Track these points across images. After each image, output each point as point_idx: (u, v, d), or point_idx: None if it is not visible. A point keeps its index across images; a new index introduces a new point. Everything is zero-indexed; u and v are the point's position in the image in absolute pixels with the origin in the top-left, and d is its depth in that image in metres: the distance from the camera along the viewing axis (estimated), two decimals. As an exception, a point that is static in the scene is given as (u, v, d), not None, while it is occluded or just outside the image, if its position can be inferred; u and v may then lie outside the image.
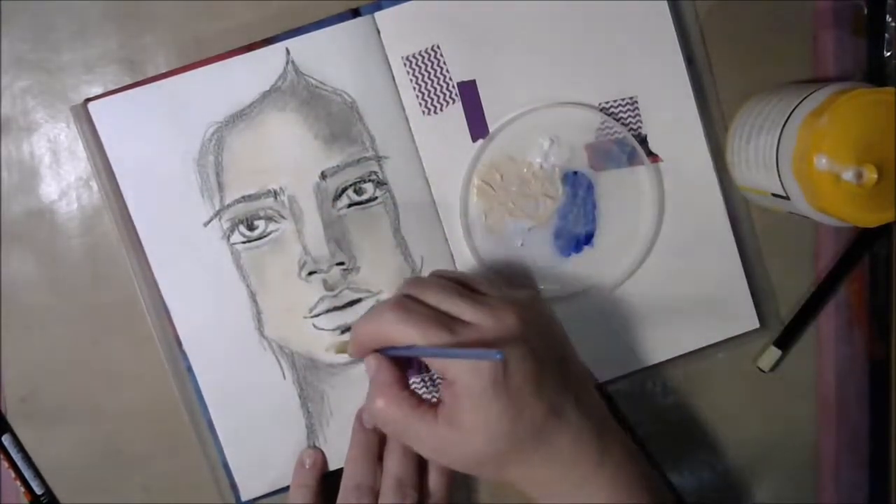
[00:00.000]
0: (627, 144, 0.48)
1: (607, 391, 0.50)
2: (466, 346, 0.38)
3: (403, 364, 0.42)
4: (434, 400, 0.40)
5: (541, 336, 0.40)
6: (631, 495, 0.40)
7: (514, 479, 0.40)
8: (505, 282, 0.47)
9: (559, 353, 0.42)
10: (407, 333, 0.39)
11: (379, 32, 0.46)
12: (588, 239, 0.48)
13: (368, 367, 0.41)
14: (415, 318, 0.39)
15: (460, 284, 0.42)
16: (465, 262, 0.48)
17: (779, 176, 0.43)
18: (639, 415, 0.50)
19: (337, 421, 0.48)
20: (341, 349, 0.47)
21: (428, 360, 0.40)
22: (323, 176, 0.46)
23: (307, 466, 0.48)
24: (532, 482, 0.40)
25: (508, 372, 0.38)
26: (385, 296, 0.48)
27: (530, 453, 0.39)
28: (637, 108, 0.48)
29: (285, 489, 0.49)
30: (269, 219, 0.47)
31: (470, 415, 0.38)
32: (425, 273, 0.48)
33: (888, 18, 0.48)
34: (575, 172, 0.48)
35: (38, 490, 0.48)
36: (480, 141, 0.47)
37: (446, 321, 0.39)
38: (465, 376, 0.38)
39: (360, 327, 0.41)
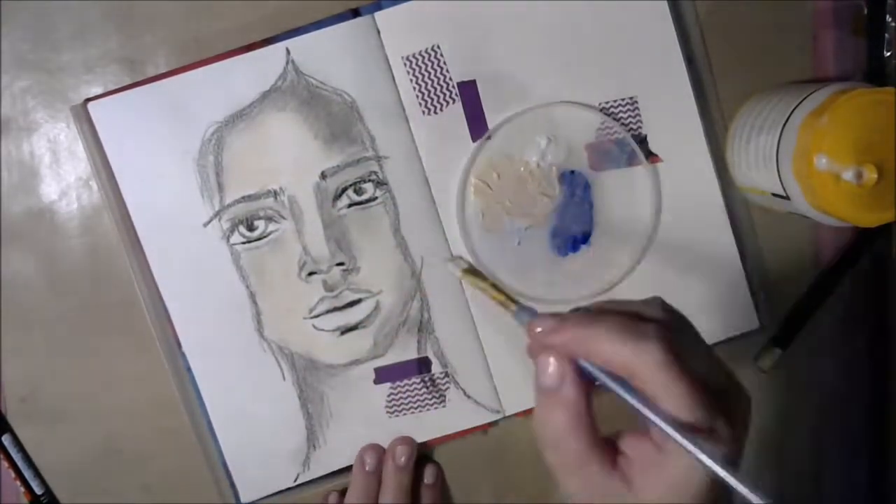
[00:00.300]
0: (627, 145, 0.48)
1: None
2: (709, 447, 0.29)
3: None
4: (611, 437, 0.33)
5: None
6: None
7: None
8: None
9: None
10: (669, 387, 0.30)
11: (379, 32, 0.46)
12: (585, 238, 0.48)
13: (553, 374, 0.32)
14: (685, 377, 0.29)
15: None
16: (465, 255, 0.48)
17: (779, 176, 0.43)
18: (638, 414, 0.50)
19: (336, 422, 0.48)
20: (476, 282, 0.37)
21: (651, 420, 0.30)
22: (323, 176, 0.46)
23: None
24: None
25: (718, 498, 0.30)
26: (385, 296, 0.47)
27: None
28: (637, 108, 0.48)
29: (285, 491, 0.49)
30: (268, 219, 0.47)
31: (660, 492, 0.30)
32: (426, 274, 0.48)
33: (888, 18, 0.48)
34: (572, 172, 0.48)
35: (38, 490, 0.48)
36: (479, 140, 0.47)
37: (711, 401, 0.30)
38: (686, 468, 0.30)
39: (567, 328, 0.32)
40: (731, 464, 0.29)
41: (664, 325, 0.31)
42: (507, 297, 0.36)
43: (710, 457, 0.29)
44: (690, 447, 0.29)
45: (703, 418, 0.30)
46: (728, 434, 0.30)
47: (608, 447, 0.32)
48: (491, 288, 0.36)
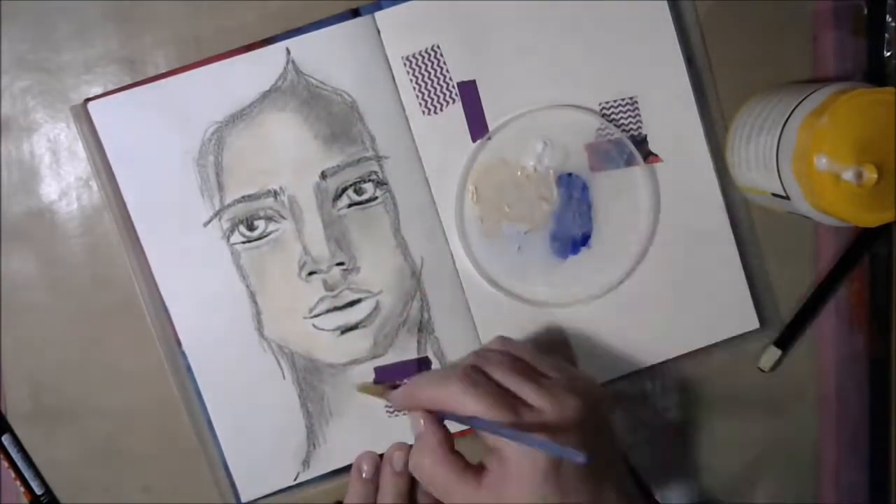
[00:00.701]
0: (625, 146, 0.48)
1: (632, 463, 0.49)
2: (527, 429, 0.38)
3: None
4: (476, 462, 0.40)
5: (596, 427, 0.40)
6: None
7: None
8: (567, 362, 0.48)
9: (607, 440, 0.42)
10: (472, 407, 0.38)
11: (379, 32, 0.46)
12: (585, 240, 0.48)
13: (415, 424, 0.41)
14: (481, 393, 0.39)
15: (525, 362, 0.42)
16: (464, 262, 0.48)
17: (779, 176, 0.43)
18: (639, 415, 0.50)
19: (336, 421, 0.48)
20: (369, 391, 0.47)
21: (483, 435, 0.40)
22: (323, 176, 0.46)
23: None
24: None
25: (563, 461, 0.38)
26: (385, 296, 0.48)
27: None
28: (637, 108, 0.48)
29: (285, 490, 0.49)
30: (269, 219, 0.47)
31: (516, 492, 0.38)
32: (426, 274, 0.48)
33: (888, 18, 0.48)
34: (569, 174, 0.48)
35: (38, 490, 0.48)
36: (474, 145, 0.47)
37: (511, 401, 0.39)
38: (519, 457, 0.38)
39: (422, 389, 0.41)
40: (550, 436, 0.38)
41: (467, 366, 0.41)
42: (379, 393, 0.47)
43: (510, 437, 0.37)
44: (524, 437, 0.37)
45: (506, 415, 0.38)
46: (537, 415, 0.38)
47: (473, 470, 0.39)
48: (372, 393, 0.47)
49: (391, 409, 0.49)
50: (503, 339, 0.44)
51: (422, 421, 0.41)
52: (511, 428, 0.38)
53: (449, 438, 0.41)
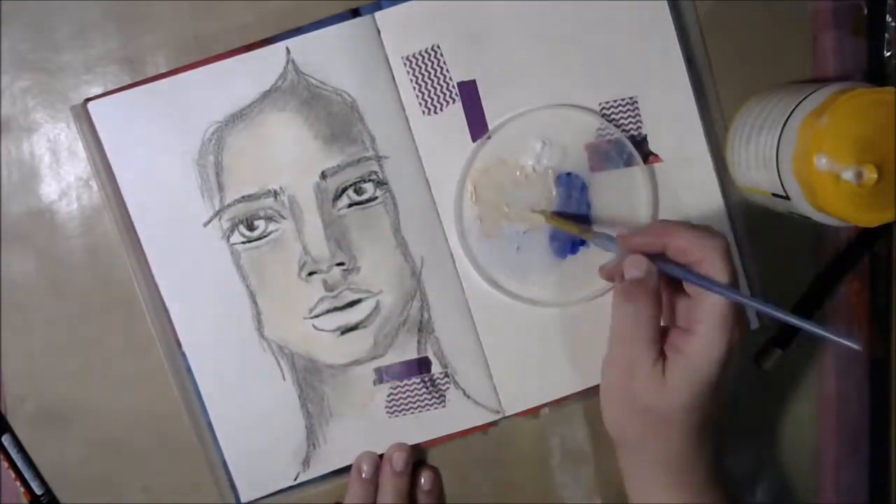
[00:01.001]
0: (624, 146, 0.48)
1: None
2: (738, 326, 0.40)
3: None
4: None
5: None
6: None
7: (644, 451, 0.42)
8: None
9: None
10: (722, 273, 0.39)
11: (379, 32, 0.46)
12: (584, 240, 0.48)
13: (638, 267, 0.41)
14: (732, 267, 0.40)
15: None
16: (464, 262, 0.48)
17: (779, 176, 0.43)
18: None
19: (336, 421, 0.48)
20: (554, 221, 0.47)
21: (697, 299, 0.40)
22: (323, 176, 0.46)
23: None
24: (660, 465, 0.42)
25: (732, 362, 0.40)
26: (385, 296, 0.47)
27: (689, 435, 0.41)
28: (637, 108, 0.48)
29: (285, 490, 0.49)
30: (269, 219, 0.47)
31: (686, 374, 0.39)
32: (426, 274, 0.48)
33: (888, 18, 0.48)
34: (568, 174, 0.48)
35: (38, 490, 0.48)
36: (474, 145, 0.47)
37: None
38: (716, 341, 0.39)
39: (681, 229, 0.41)
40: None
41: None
42: (583, 230, 0.46)
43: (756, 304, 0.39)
44: (736, 297, 0.39)
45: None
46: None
47: (659, 345, 0.41)
48: (571, 226, 0.47)
49: (392, 410, 0.49)
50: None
51: (649, 263, 0.41)
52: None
53: (661, 296, 0.41)
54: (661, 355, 0.40)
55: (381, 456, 0.49)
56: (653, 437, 0.42)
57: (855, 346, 0.36)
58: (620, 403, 0.42)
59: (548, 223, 0.47)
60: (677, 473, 0.42)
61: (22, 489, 0.48)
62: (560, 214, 0.47)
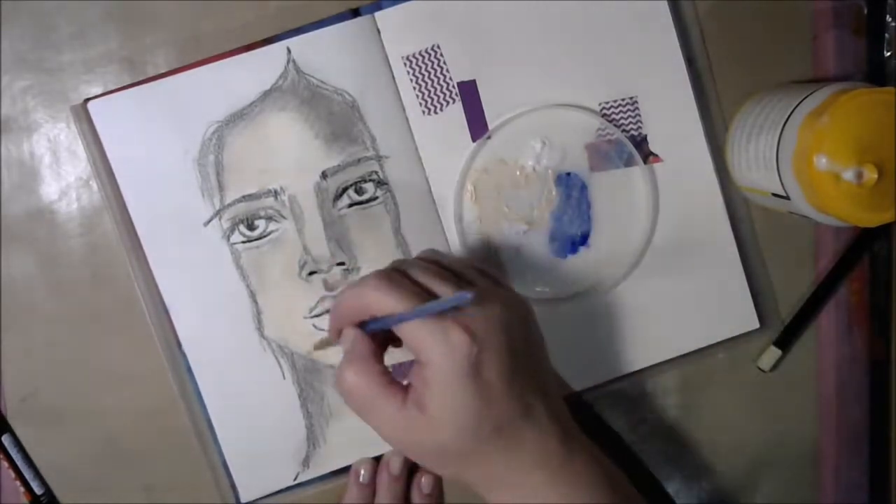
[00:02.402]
0: (624, 146, 0.48)
1: (586, 400, 0.50)
2: (447, 325, 0.37)
3: (380, 344, 0.40)
4: (406, 384, 0.39)
5: (520, 334, 0.39)
6: (592, 497, 0.39)
7: (473, 479, 0.39)
8: (498, 275, 0.45)
9: (535, 354, 0.41)
10: (389, 303, 0.37)
11: (379, 32, 0.46)
12: (584, 240, 0.48)
13: (345, 340, 0.39)
14: (398, 290, 0.37)
15: (452, 270, 0.40)
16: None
17: (779, 176, 0.43)
18: (639, 415, 0.50)
19: (336, 421, 0.48)
20: (321, 346, 0.46)
21: (404, 338, 0.38)
22: (323, 175, 0.46)
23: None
24: (491, 482, 0.39)
25: (482, 362, 0.36)
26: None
27: (494, 451, 0.38)
28: (637, 108, 0.48)
29: (285, 490, 0.49)
30: (269, 218, 0.47)
31: (439, 400, 0.36)
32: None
33: (888, 18, 0.48)
34: (568, 174, 0.48)
35: (38, 490, 0.48)
36: (474, 145, 0.47)
37: (428, 298, 0.38)
38: (438, 358, 0.36)
39: (341, 298, 0.39)
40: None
41: (386, 268, 0.40)
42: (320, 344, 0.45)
43: (417, 315, 0.36)
44: (422, 310, 0.36)
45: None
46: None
47: (399, 387, 0.38)
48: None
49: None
50: (433, 251, 0.43)
51: (350, 334, 0.39)
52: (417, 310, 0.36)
53: (377, 353, 0.39)
54: (411, 399, 0.37)
55: (378, 459, 0.49)
56: (466, 466, 0.39)
57: (466, 298, 0.35)
58: (422, 458, 0.40)
59: (316, 350, 0.47)
60: (511, 484, 0.39)
61: (22, 489, 0.48)
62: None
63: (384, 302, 0.37)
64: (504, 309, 0.38)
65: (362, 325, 0.39)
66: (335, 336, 0.41)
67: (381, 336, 0.39)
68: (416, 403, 0.37)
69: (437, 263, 0.41)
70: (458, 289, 0.38)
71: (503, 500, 0.39)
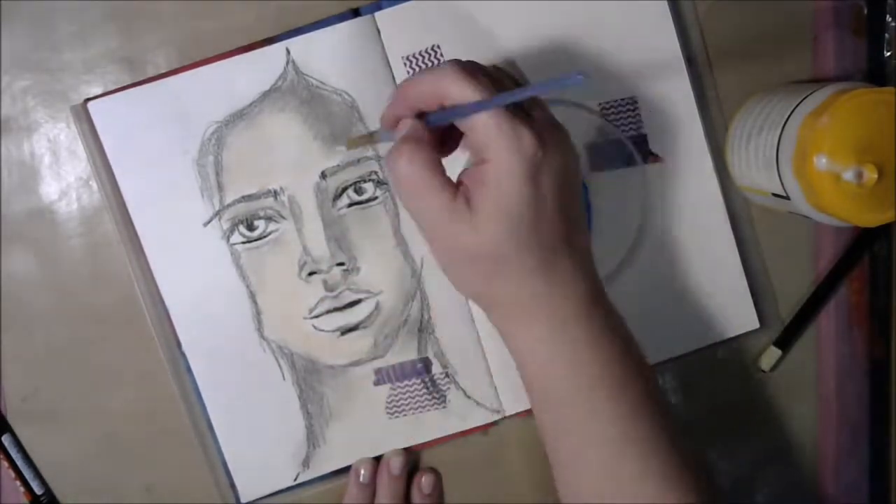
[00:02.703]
0: (625, 146, 0.48)
1: None
2: (519, 124, 0.35)
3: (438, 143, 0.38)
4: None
5: (573, 166, 0.38)
6: (612, 344, 0.38)
7: (496, 298, 0.38)
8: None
9: (577, 196, 0.39)
10: (467, 91, 0.35)
11: (379, 32, 0.46)
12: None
13: (403, 126, 0.38)
14: (478, 79, 0.36)
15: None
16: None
17: (779, 176, 0.43)
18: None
19: (336, 422, 0.48)
20: (357, 143, 0.45)
21: (471, 132, 0.36)
22: (323, 175, 0.46)
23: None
24: (513, 306, 0.38)
25: (544, 173, 0.35)
26: (385, 296, 0.47)
27: (530, 268, 0.37)
28: (637, 108, 0.48)
29: (285, 490, 0.49)
30: (269, 219, 0.47)
31: (493, 199, 0.35)
32: (426, 274, 0.48)
33: (888, 18, 0.48)
34: (568, 174, 0.48)
35: (38, 490, 0.48)
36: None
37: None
38: (506, 154, 0.35)
39: (413, 81, 0.38)
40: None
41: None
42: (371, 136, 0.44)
43: (503, 101, 0.35)
44: (492, 104, 0.35)
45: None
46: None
47: (453, 183, 0.37)
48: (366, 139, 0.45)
49: (392, 410, 0.49)
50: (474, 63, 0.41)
51: (409, 121, 0.38)
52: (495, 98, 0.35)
53: (435, 142, 0.38)
54: (461, 194, 0.36)
55: (378, 459, 0.49)
56: (497, 279, 0.37)
57: (579, 79, 0.33)
58: (453, 262, 0.38)
59: (349, 149, 0.46)
60: (536, 314, 0.38)
61: (22, 489, 0.48)
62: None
63: (463, 89, 0.35)
64: (566, 136, 0.38)
65: (420, 118, 0.38)
66: (391, 124, 0.39)
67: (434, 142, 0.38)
68: (466, 200, 0.36)
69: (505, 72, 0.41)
70: (530, 99, 0.37)
71: (520, 332, 0.39)
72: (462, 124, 0.36)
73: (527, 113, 0.37)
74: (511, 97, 0.35)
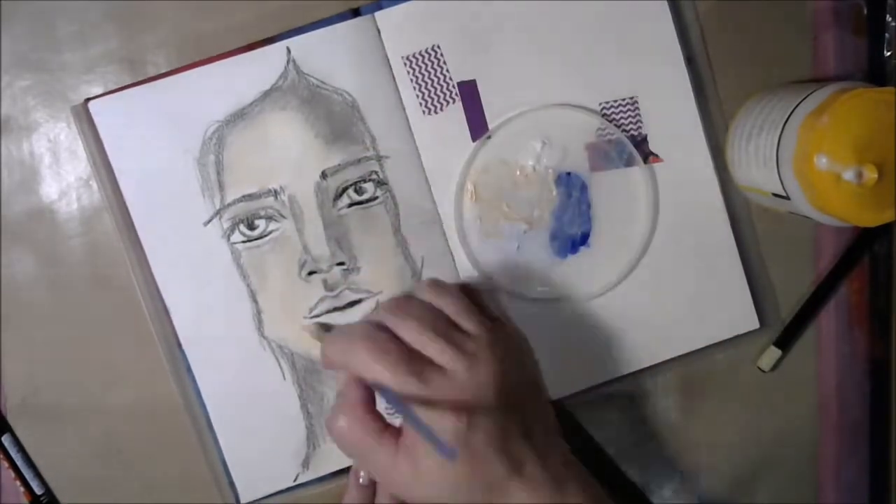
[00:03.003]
0: (625, 146, 0.48)
1: (567, 408, 0.49)
2: (435, 400, 0.37)
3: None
4: (398, 425, 0.39)
5: (514, 379, 0.40)
6: None
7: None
8: (496, 307, 0.46)
9: (529, 395, 0.41)
10: (376, 372, 0.38)
11: (379, 32, 0.46)
12: (584, 239, 0.48)
13: (338, 381, 0.41)
14: (386, 358, 0.38)
15: (445, 316, 0.41)
16: (464, 262, 0.48)
17: (779, 176, 0.43)
18: (639, 415, 0.50)
19: (337, 421, 0.48)
20: (314, 335, 0.47)
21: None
22: (324, 175, 0.46)
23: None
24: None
25: (473, 427, 0.37)
26: (384, 297, 0.47)
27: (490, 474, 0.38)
28: (637, 108, 0.48)
29: (285, 491, 0.49)
30: (269, 218, 0.47)
31: (428, 460, 0.37)
32: (427, 274, 0.48)
33: (888, 18, 0.48)
34: (568, 174, 0.48)
35: (38, 490, 0.48)
36: (474, 144, 0.47)
37: (418, 366, 0.38)
38: (430, 423, 0.37)
39: (331, 348, 0.41)
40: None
41: (374, 324, 0.40)
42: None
43: (402, 412, 0.37)
44: (406, 412, 0.36)
45: (412, 381, 0.37)
46: (447, 378, 0.38)
47: (391, 432, 0.39)
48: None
49: (393, 411, 0.49)
50: (432, 284, 0.43)
51: (342, 377, 0.40)
52: (407, 403, 0.37)
53: (369, 398, 0.39)
54: (399, 445, 0.38)
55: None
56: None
57: (445, 455, 0.35)
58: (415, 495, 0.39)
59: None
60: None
61: (22, 489, 0.48)
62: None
63: (374, 372, 0.38)
64: (496, 363, 0.39)
65: None
66: (329, 368, 0.41)
67: None
68: (407, 455, 0.38)
69: (431, 308, 0.41)
70: (449, 350, 0.38)
71: None
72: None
73: (464, 332, 0.40)
74: (400, 409, 0.37)
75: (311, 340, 0.47)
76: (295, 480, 0.49)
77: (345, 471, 0.49)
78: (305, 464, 0.49)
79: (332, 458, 0.49)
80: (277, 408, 0.48)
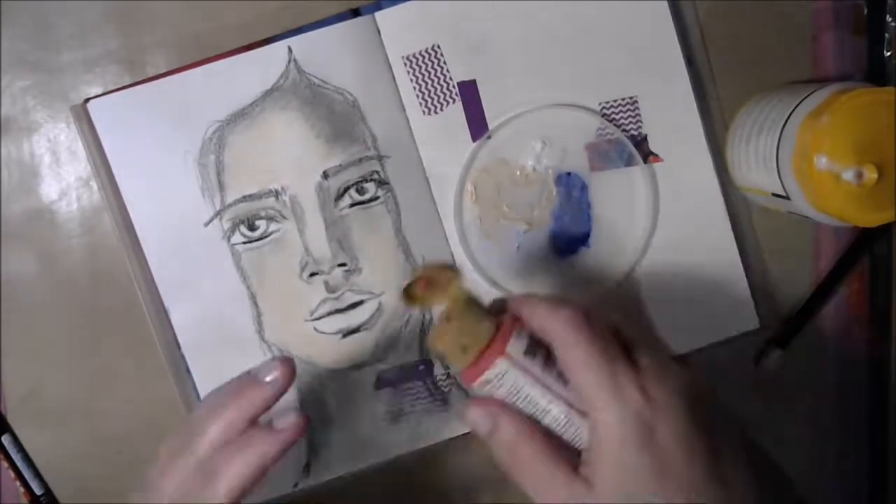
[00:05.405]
0: (625, 146, 0.48)
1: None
2: (621, 385, 0.34)
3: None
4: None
5: (698, 406, 0.35)
6: None
7: None
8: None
9: (714, 426, 0.35)
10: (582, 343, 0.34)
11: (379, 32, 0.46)
12: (584, 240, 0.48)
13: (481, 416, 0.36)
14: (595, 330, 0.35)
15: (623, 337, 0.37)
16: (464, 262, 0.48)
17: (779, 176, 0.43)
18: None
19: (337, 430, 0.48)
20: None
21: (571, 373, 0.35)
22: (325, 175, 0.46)
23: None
24: None
25: (659, 425, 0.33)
26: (386, 297, 0.47)
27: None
28: (637, 108, 0.48)
29: (284, 496, 0.48)
30: (270, 219, 0.47)
31: (608, 472, 0.33)
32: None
33: (888, 18, 0.48)
34: (568, 174, 0.48)
35: (38, 490, 0.48)
36: (474, 144, 0.47)
37: (616, 352, 0.35)
38: (609, 421, 0.33)
39: (534, 309, 0.36)
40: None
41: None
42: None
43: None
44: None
45: (605, 366, 0.34)
46: (634, 374, 0.34)
47: (568, 453, 0.35)
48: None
49: (394, 413, 0.48)
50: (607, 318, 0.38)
51: (508, 427, 0.35)
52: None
53: (533, 424, 0.35)
54: (580, 468, 0.34)
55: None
56: None
57: None
58: None
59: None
60: None
61: (22, 489, 0.48)
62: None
63: (579, 342, 0.34)
64: (678, 376, 0.35)
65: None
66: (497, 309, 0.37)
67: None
68: (588, 481, 0.34)
69: (613, 325, 0.37)
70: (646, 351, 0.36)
71: None
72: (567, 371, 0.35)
73: (633, 359, 0.35)
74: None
75: (311, 344, 0.47)
76: (295, 487, 0.48)
77: (345, 476, 0.48)
78: (306, 471, 0.48)
79: (332, 464, 0.48)
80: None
